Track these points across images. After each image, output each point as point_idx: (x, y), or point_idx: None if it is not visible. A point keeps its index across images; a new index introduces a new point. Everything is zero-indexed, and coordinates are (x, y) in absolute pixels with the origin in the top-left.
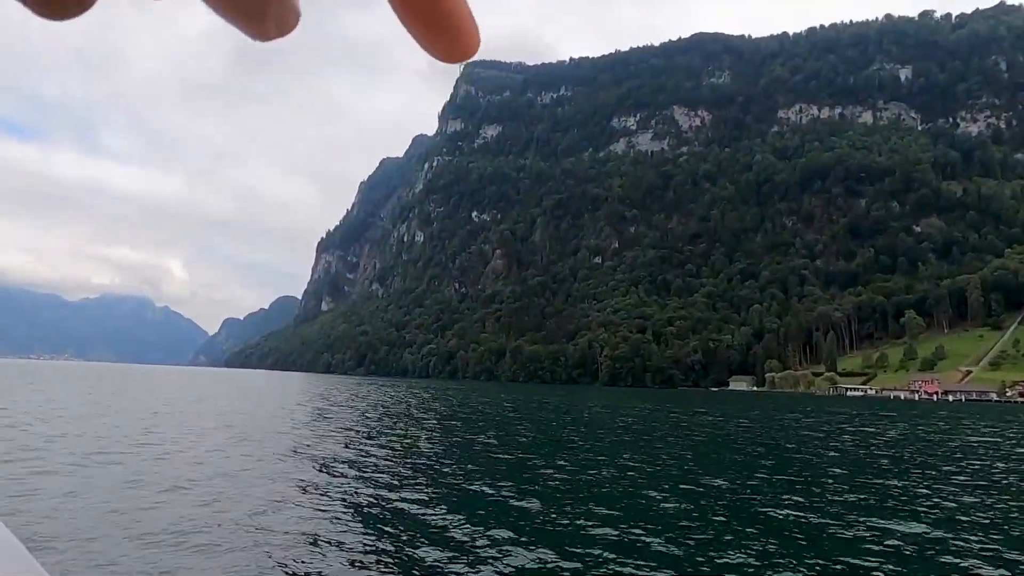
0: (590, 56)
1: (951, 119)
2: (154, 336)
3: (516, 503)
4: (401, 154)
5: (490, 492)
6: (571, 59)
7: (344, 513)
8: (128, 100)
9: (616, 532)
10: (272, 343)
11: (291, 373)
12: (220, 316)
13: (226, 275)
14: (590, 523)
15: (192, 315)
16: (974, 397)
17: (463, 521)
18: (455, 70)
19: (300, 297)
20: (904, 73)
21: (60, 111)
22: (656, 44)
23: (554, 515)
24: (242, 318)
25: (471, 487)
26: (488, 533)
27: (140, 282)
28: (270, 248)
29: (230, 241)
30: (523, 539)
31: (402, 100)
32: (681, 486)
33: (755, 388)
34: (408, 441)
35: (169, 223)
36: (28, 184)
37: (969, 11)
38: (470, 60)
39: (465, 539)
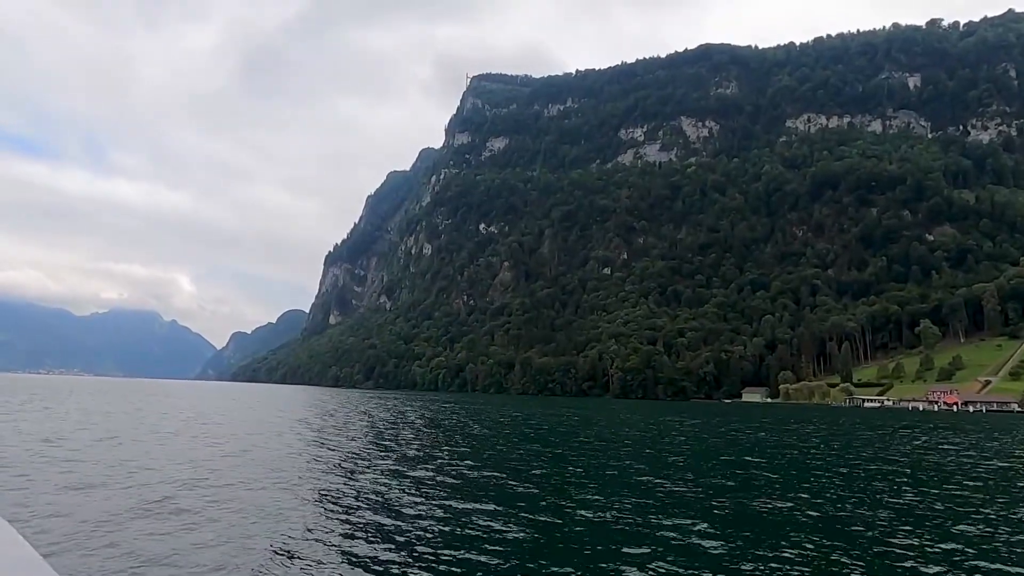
0: (596, 68)
1: (961, 127)
2: (162, 350)
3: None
4: (408, 168)
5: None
6: (577, 71)
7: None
8: (137, 117)
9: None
10: (280, 356)
11: (304, 387)
12: (228, 330)
13: (234, 289)
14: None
15: (200, 329)
16: (995, 408)
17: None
18: (462, 84)
19: (308, 311)
20: (913, 81)
21: (70, 128)
22: (662, 56)
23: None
24: (250, 332)
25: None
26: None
27: (149, 297)
28: (278, 263)
29: (238, 256)
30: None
31: (408, 115)
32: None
33: (769, 399)
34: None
35: (178, 238)
36: (38, 201)
37: (977, 19)
38: (477, 74)
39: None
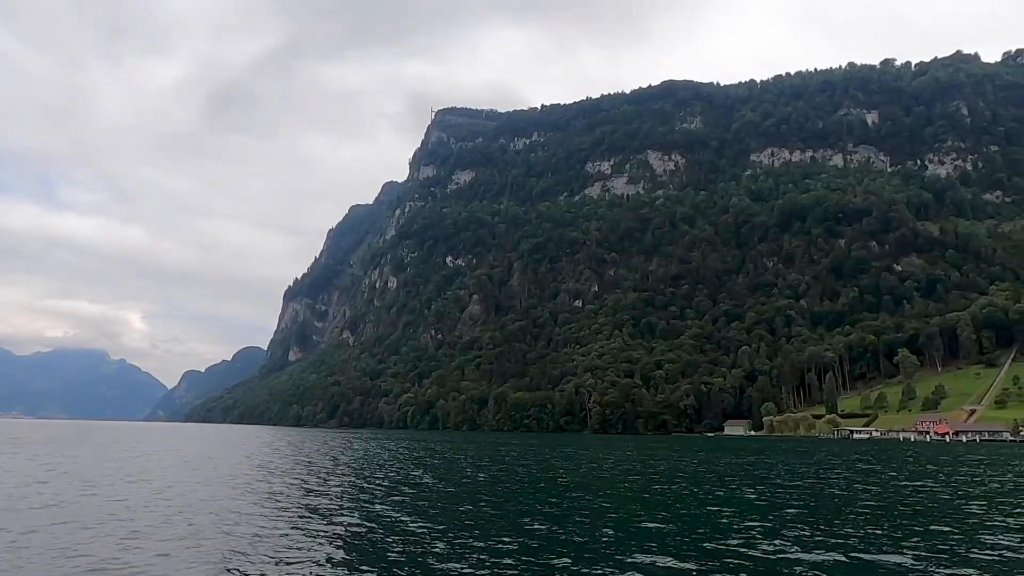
0: (562, 103)
1: (919, 161)
2: (110, 391)
3: None
4: (371, 201)
5: None
6: (543, 106)
7: None
8: (92, 152)
9: None
10: (237, 395)
11: (270, 427)
12: (180, 369)
13: (188, 327)
14: None
15: (151, 368)
16: (987, 437)
17: None
18: (427, 118)
19: (266, 348)
20: (871, 118)
21: (18, 162)
22: (627, 92)
23: None
24: (203, 370)
25: None
26: None
27: (97, 335)
28: (236, 300)
29: (194, 293)
30: None
31: (374, 150)
32: None
33: (752, 432)
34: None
35: (130, 275)
36: None
37: (928, 59)
38: (442, 107)
39: None
